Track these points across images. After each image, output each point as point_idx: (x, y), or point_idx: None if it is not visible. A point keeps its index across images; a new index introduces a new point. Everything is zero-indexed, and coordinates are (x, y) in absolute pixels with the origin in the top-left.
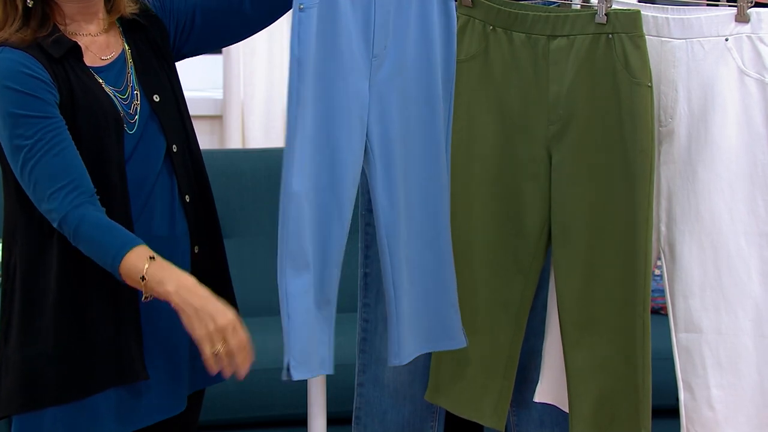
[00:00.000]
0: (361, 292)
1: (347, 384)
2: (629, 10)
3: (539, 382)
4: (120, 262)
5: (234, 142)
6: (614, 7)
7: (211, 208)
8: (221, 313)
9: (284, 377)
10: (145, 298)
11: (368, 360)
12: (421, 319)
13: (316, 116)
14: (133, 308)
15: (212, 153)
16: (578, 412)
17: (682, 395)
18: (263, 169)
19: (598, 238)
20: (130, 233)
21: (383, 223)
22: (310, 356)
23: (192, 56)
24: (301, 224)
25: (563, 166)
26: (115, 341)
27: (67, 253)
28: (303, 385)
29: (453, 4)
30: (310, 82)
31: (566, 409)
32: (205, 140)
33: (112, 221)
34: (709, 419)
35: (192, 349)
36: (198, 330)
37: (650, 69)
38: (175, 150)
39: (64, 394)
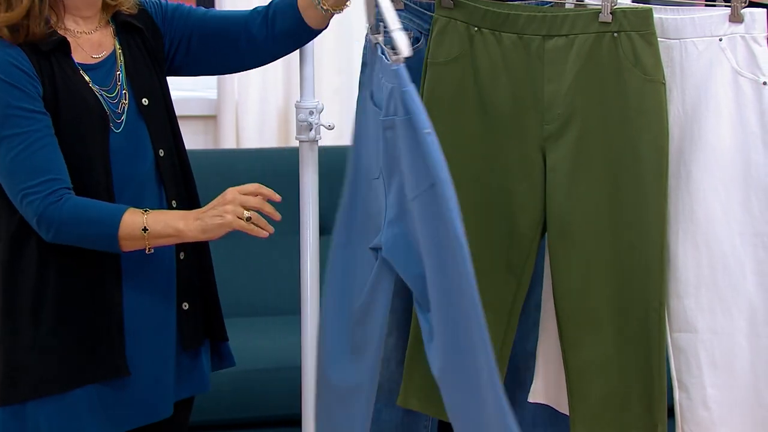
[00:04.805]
0: None
1: None
2: (639, 8)
3: (533, 382)
4: (119, 224)
5: (228, 142)
6: (619, 5)
7: None
8: (221, 196)
9: None
10: (149, 249)
11: None
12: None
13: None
14: (116, 304)
15: (206, 153)
16: (580, 413)
17: (677, 395)
18: (258, 169)
19: (602, 235)
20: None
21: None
22: None
23: (183, 74)
24: None
25: (562, 165)
26: (96, 336)
27: (48, 247)
28: (297, 385)
29: None
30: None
31: (561, 410)
32: (200, 140)
33: (95, 200)
34: (705, 419)
35: (179, 355)
36: (224, 221)
37: (662, 66)
38: (161, 154)
39: (43, 387)
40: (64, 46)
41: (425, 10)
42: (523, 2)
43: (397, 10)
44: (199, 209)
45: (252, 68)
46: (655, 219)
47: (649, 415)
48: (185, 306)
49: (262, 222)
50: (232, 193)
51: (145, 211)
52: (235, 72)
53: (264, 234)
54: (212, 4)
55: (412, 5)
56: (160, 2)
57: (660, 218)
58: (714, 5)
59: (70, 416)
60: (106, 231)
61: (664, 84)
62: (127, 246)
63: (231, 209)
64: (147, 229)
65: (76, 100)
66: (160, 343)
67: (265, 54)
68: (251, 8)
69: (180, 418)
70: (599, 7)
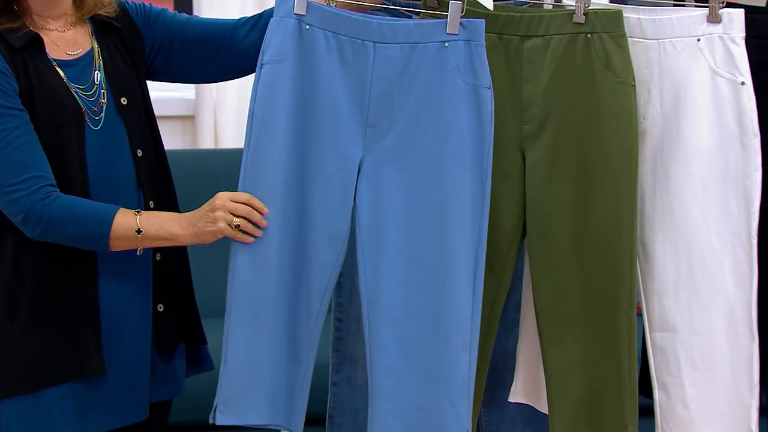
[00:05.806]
0: (335, 291)
1: (321, 384)
2: (610, 9)
3: (514, 382)
4: (111, 224)
5: (206, 142)
6: (592, 6)
7: None
8: (212, 201)
9: (210, 419)
10: (140, 251)
11: (341, 359)
12: (414, 407)
13: (288, 170)
14: (92, 303)
15: (184, 153)
16: (558, 411)
17: (656, 394)
18: (236, 169)
19: (578, 236)
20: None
21: (366, 299)
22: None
23: (162, 79)
24: (256, 280)
25: (540, 166)
26: (71, 335)
27: (23, 247)
28: None
29: (487, 93)
30: (279, 135)
31: (541, 409)
32: (178, 140)
33: (85, 199)
34: (684, 418)
35: (153, 357)
36: (216, 229)
37: (633, 68)
38: (139, 155)
39: (17, 386)
40: (37, 41)
41: (405, 9)
42: (503, 2)
43: (375, 11)
44: (191, 213)
45: (231, 78)
46: (625, 221)
47: (621, 415)
48: (160, 308)
49: (250, 228)
50: (222, 198)
51: (138, 211)
52: (214, 80)
53: (250, 240)
54: (190, 11)
55: (391, 6)
56: (144, 5)
57: (630, 221)
58: (689, 5)
59: (42, 417)
60: (97, 230)
61: (634, 86)
62: (117, 246)
63: (221, 216)
64: (141, 231)
65: (51, 95)
66: (135, 344)
67: (246, 63)
68: (232, 16)
69: (156, 421)
70: (575, 7)
